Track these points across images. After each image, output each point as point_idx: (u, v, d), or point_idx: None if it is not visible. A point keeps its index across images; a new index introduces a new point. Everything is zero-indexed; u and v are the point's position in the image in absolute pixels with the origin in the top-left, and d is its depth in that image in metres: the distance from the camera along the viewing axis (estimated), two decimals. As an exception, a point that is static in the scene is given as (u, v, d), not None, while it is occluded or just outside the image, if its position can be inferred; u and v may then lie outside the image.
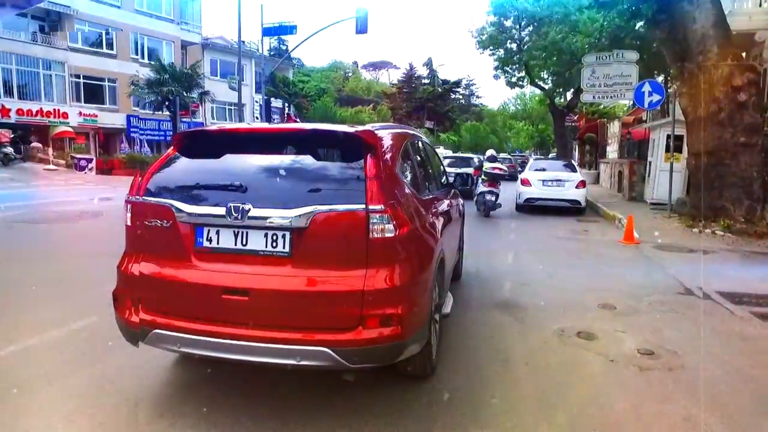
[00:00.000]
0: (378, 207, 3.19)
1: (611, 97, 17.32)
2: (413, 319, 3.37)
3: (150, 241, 3.48)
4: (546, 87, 34.63)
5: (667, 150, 15.34)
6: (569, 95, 38.25)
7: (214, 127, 4.01)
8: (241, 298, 3.19)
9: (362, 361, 3.21)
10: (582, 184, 15.28)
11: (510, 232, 12.19)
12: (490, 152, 16.41)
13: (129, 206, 3.55)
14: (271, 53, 63.31)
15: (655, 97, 14.27)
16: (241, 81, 26.74)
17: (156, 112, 32.51)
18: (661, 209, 14.76)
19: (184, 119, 32.29)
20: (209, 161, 3.63)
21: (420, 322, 3.51)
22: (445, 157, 22.91)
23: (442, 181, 6.05)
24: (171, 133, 32.24)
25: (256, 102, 42.07)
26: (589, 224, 13.36)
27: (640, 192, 18.05)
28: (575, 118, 42.48)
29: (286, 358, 3.15)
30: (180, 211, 3.35)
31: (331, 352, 3.10)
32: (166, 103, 29.84)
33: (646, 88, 14.37)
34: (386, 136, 3.88)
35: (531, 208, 15.44)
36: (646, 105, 14.65)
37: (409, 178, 4.02)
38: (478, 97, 77.34)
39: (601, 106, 40.24)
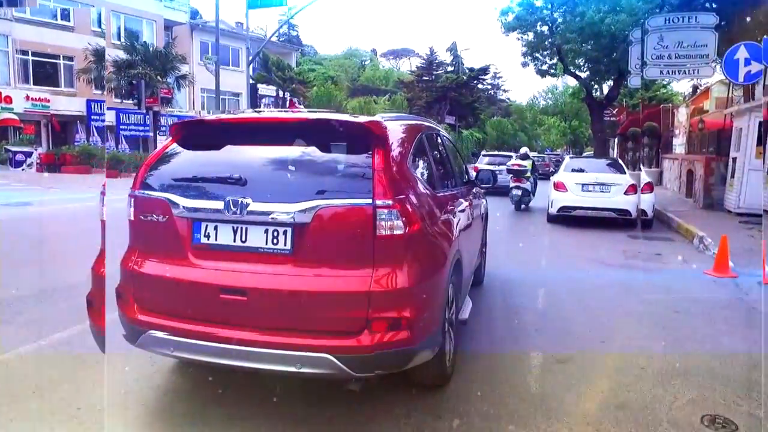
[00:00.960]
0: (386, 202, 3.11)
1: (682, 72, 14.15)
2: (424, 324, 3.28)
3: (146, 236, 3.46)
4: (582, 76, 31.79)
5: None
6: (606, 88, 36.03)
7: (213, 117, 4.00)
8: (240, 298, 3.14)
9: (368, 369, 3.10)
10: (632, 188, 12.55)
11: (540, 253, 9.50)
12: (523, 150, 17.58)
13: (132, 200, 3.49)
14: (281, 39, 60.81)
15: (755, 67, 11.11)
16: (218, 62, 23.78)
17: (124, 101, 28.69)
18: (756, 223, 11.86)
19: (163, 111, 28.71)
20: (208, 152, 3.63)
21: (432, 327, 3.42)
22: (485, 155, 25.80)
23: (464, 178, 5.81)
24: (159, 128, 28.83)
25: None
26: (649, 243, 10.46)
27: (719, 198, 15.04)
28: (614, 112, 39.57)
29: (286, 364, 3.05)
30: (176, 205, 3.32)
31: (333, 359, 2.99)
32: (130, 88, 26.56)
33: (742, 53, 11.24)
34: (397, 127, 3.83)
35: (566, 219, 12.70)
36: (741, 78, 11.54)
37: (423, 172, 3.96)
38: (504, 90, 74.29)
39: (639, 99, 36.66)
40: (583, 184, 12.73)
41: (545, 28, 29.99)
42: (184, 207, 3.29)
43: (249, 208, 3.16)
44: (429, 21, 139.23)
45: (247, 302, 3.12)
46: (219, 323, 3.17)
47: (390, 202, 3.11)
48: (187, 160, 3.62)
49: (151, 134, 24.61)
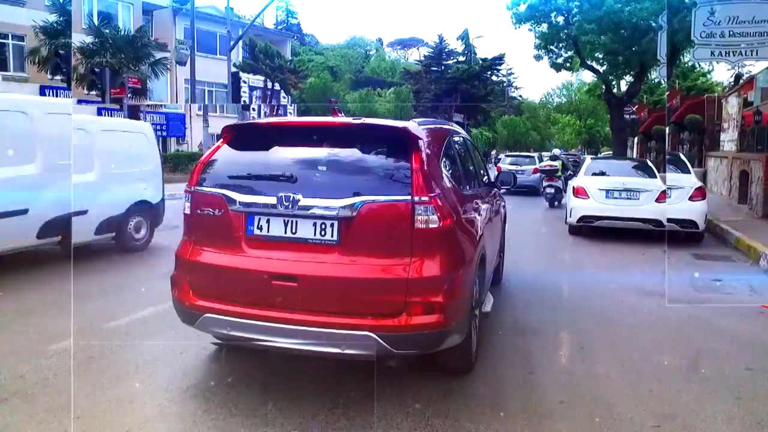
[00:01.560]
0: (423, 198, 3.52)
1: (737, 53, 12.39)
2: (455, 309, 3.67)
3: (202, 228, 3.92)
4: (600, 70, 30.38)
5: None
6: (623, 84, 34.55)
7: (263, 120, 4.67)
8: (290, 284, 3.55)
9: (406, 347, 3.55)
10: (664, 195, 10.94)
11: (559, 275, 8.09)
12: (554, 151, 20.17)
13: (189, 196, 3.95)
14: (279, 27, 58.70)
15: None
16: (193, 48, 22.00)
17: (90, 92, 25.60)
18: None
19: (143, 107, 26.69)
20: (258, 153, 4.07)
21: (461, 312, 3.79)
22: (507, 155, 26.54)
23: (485, 180, 6.11)
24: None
25: (244, 82, 37.12)
26: (701, 265, 8.77)
27: None
28: (634, 109, 38.05)
29: (333, 342, 3.46)
30: (232, 200, 3.74)
31: (376, 337, 3.40)
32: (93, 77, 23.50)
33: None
34: (430, 130, 4.25)
35: (591, 230, 11.24)
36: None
37: (451, 173, 4.30)
38: (516, 87, 72.47)
39: (676, 88, 34.61)
40: (607, 190, 11.18)
41: (560, 19, 28.75)
42: (239, 202, 3.71)
43: (300, 204, 3.56)
44: (439, 9, 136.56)
45: (297, 287, 3.53)
46: (271, 307, 3.55)
47: (426, 198, 3.51)
48: (239, 160, 4.04)
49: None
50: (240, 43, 34.37)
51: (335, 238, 3.55)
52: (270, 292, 3.56)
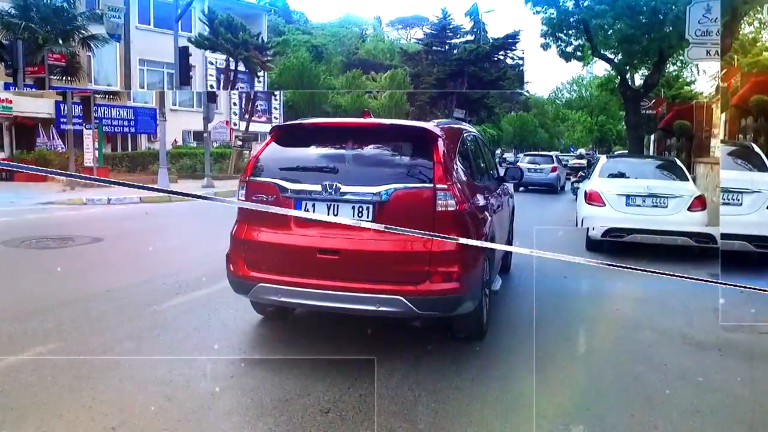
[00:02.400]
0: (443, 186, 4.40)
1: None
2: (469, 279, 4.51)
3: (256, 212, 4.74)
4: (615, 59, 28.95)
5: None
6: (639, 78, 32.85)
7: (307, 121, 5.47)
8: (333, 257, 4.41)
9: (428, 309, 4.41)
10: (699, 202, 9.37)
11: (574, 314, 6.23)
12: (579, 151, 24.16)
13: (245, 185, 4.80)
14: (261, 2, 54.50)
15: None
16: (127, 14, 19.19)
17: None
18: None
19: (102, 100, 24.48)
20: (303, 149, 5.01)
21: (474, 283, 4.61)
22: (526, 155, 27.80)
23: (494, 174, 7.00)
24: (97, 120, 22.68)
25: (211, 64, 34.04)
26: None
27: None
28: (650, 104, 36.54)
29: (369, 304, 4.32)
30: (283, 188, 4.59)
31: (404, 299, 4.25)
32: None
33: None
34: (447, 130, 5.16)
35: (612, 243, 9.45)
36: None
37: (464, 166, 5.17)
38: (524, 82, 70.64)
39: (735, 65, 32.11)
40: (627, 196, 9.65)
41: (570, 4, 27.49)
42: (289, 189, 4.57)
43: (340, 190, 4.42)
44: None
45: (339, 260, 4.39)
46: (316, 276, 4.41)
47: (445, 186, 4.41)
48: (287, 155, 4.93)
49: (69, 127, 19.36)
50: (203, 16, 30.32)
51: (370, 218, 4.39)
52: (315, 264, 4.40)
